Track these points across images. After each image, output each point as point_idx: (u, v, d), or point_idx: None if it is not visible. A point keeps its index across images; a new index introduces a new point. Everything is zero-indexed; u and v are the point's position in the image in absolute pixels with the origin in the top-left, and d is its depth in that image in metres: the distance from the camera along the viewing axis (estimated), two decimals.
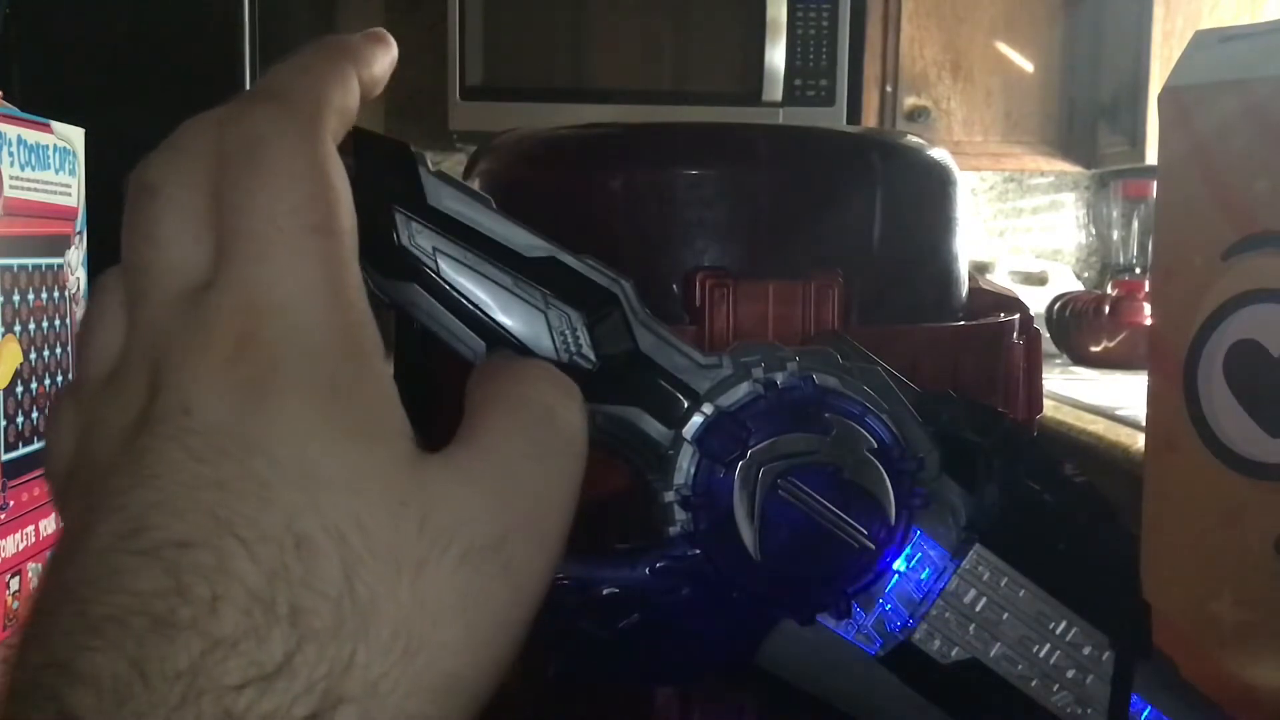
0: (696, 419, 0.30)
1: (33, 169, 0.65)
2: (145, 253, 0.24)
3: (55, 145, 0.68)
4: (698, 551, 0.30)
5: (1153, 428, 0.44)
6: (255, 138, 0.24)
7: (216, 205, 0.24)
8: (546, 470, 0.25)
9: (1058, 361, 2.44)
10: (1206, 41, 0.43)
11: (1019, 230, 3.00)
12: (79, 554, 0.22)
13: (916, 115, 2.63)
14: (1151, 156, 2.38)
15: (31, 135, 0.65)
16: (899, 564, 0.31)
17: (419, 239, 0.28)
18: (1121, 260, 2.82)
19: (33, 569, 0.67)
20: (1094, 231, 2.98)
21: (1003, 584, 0.31)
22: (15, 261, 0.64)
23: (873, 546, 0.30)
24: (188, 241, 0.24)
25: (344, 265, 0.24)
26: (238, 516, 0.21)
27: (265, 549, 0.21)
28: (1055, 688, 0.31)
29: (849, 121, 2.50)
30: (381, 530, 0.22)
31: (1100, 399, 1.97)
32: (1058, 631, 0.31)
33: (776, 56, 2.45)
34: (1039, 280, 2.78)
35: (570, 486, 0.26)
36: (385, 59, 0.28)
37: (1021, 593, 0.31)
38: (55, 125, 0.68)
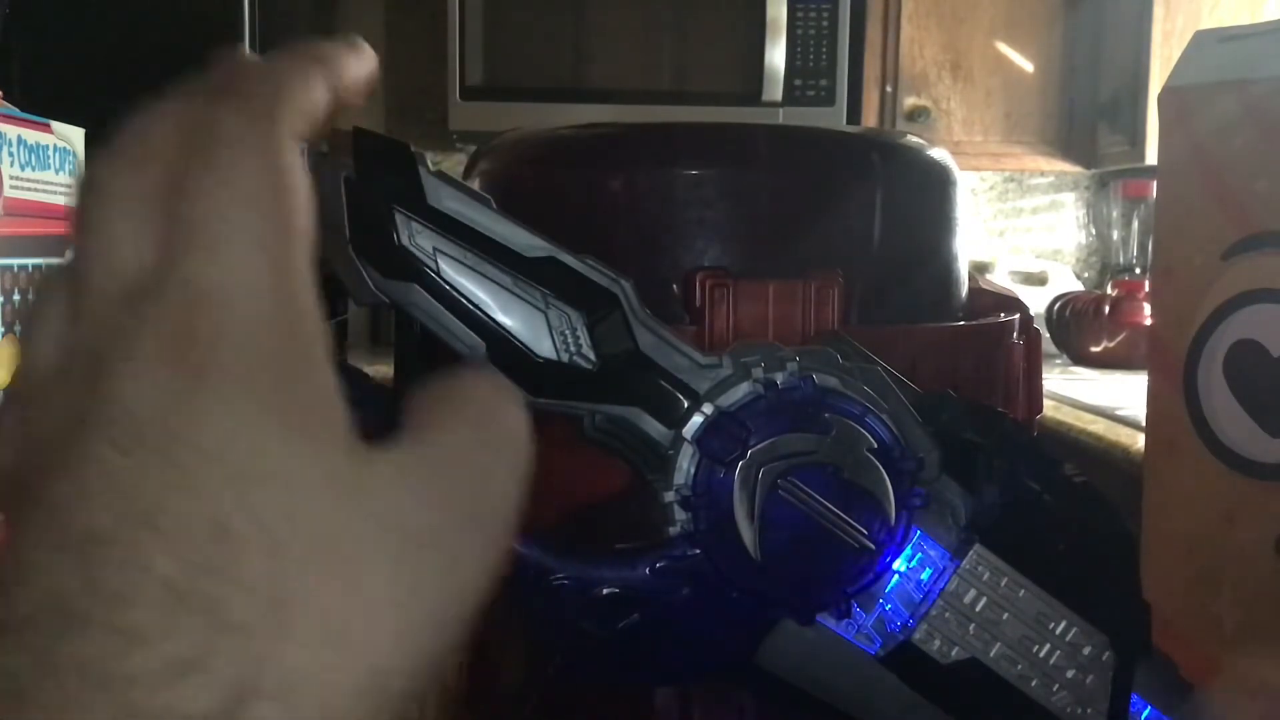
0: (696, 419, 0.30)
1: (33, 169, 0.65)
2: (91, 249, 0.24)
3: (55, 145, 0.68)
4: (698, 551, 0.30)
5: (1153, 428, 0.44)
6: (210, 133, 0.24)
7: (166, 200, 0.23)
8: (487, 464, 0.25)
9: (1058, 361, 2.44)
10: (1206, 41, 0.43)
11: (1019, 230, 3.00)
12: (7, 556, 0.22)
13: (916, 115, 2.63)
14: (1151, 156, 2.38)
15: (31, 135, 0.65)
16: (899, 564, 0.31)
17: (419, 239, 0.28)
18: (1121, 260, 2.82)
19: None
20: (1094, 231, 2.98)
21: (1003, 584, 0.31)
22: (15, 261, 0.64)
23: (873, 546, 0.30)
24: (135, 237, 0.23)
25: (294, 263, 0.24)
26: (156, 508, 0.21)
27: (183, 541, 0.21)
28: (1055, 688, 0.31)
29: (849, 121, 2.50)
30: (313, 522, 0.22)
31: (1100, 399, 1.97)
32: (1058, 631, 0.31)
33: (776, 56, 2.46)
34: (1039, 280, 2.78)
35: (513, 482, 0.25)
36: (360, 66, 0.28)
37: (1021, 593, 0.31)
38: (55, 125, 0.68)
